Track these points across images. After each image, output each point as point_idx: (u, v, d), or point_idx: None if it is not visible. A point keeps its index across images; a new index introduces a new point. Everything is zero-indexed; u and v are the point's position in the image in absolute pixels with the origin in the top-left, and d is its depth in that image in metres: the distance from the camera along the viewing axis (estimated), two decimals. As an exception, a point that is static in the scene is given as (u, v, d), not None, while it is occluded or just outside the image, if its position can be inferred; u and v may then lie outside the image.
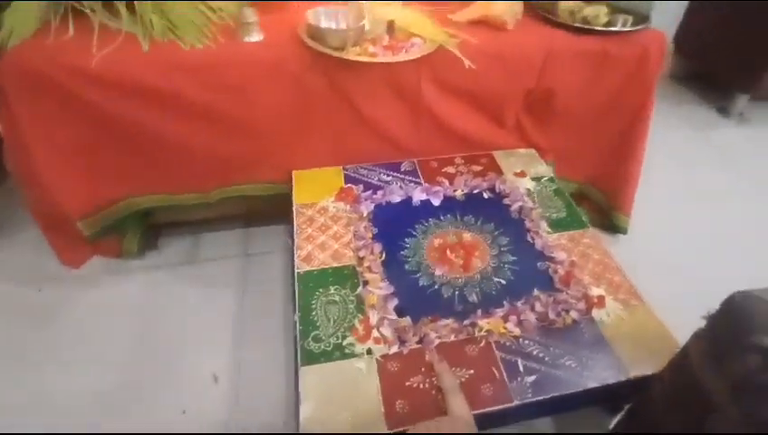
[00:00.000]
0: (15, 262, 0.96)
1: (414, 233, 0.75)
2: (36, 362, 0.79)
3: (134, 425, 0.72)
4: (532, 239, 0.75)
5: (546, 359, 0.59)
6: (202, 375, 0.78)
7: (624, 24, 0.84)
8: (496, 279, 0.69)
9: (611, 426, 0.65)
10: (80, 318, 0.86)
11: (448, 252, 0.72)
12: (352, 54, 0.74)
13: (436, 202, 0.81)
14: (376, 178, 0.84)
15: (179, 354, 0.81)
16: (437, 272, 0.69)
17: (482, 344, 0.61)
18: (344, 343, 0.60)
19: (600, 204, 1.04)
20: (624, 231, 1.02)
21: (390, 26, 0.79)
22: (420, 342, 0.60)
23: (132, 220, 0.91)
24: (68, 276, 0.92)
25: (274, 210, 0.90)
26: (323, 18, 0.78)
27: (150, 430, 0.71)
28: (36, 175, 0.77)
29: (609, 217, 1.03)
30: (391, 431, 0.52)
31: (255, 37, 0.76)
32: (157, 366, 0.80)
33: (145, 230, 0.96)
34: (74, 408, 0.74)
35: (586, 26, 0.83)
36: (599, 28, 0.83)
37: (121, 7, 0.74)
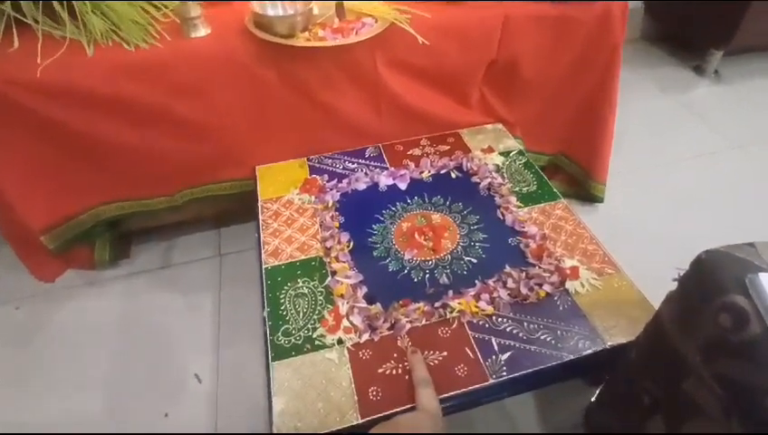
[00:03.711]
0: (-9, 281, 0.94)
1: (381, 219, 0.74)
2: (18, 380, 0.79)
3: (117, 429, 0.72)
4: (503, 215, 0.73)
5: (520, 335, 0.58)
6: (183, 377, 0.78)
7: (582, -15, 0.82)
8: (467, 258, 0.67)
9: (593, 398, 0.64)
10: (58, 332, 0.86)
11: (417, 235, 0.71)
12: (302, 41, 0.71)
13: (402, 186, 0.79)
14: (341, 167, 0.83)
15: (160, 358, 0.81)
16: (407, 256, 0.68)
17: (454, 326, 0.60)
18: (314, 335, 0.59)
19: (575, 174, 1.02)
20: (600, 200, 1.01)
21: (339, 8, 0.77)
22: (391, 328, 0.59)
23: (100, 230, 0.89)
24: (44, 292, 0.92)
25: (244, 208, 0.88)
26: (270, 6, 0.75)
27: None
28: (-3, 192, 0.75)
29: (584, 187, 1.02)
30: (363, 421, 0.51)
31: (202, 32, 0.73)
32: (138, 371, 0.79)
33: (116, 239, 0.94)
34: (59, 419, 0.73)
35: (543, -10, 0.81)
36: (556, -9, 0.81)
37: (63, 13, 0.71)
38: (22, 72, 0.66)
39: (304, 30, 0.72)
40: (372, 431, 0.45)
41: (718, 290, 0.40)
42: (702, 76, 1.55)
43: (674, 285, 0.46)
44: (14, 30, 0.70)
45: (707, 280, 0.42)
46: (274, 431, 0.51)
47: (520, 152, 0.86)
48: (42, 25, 0.71)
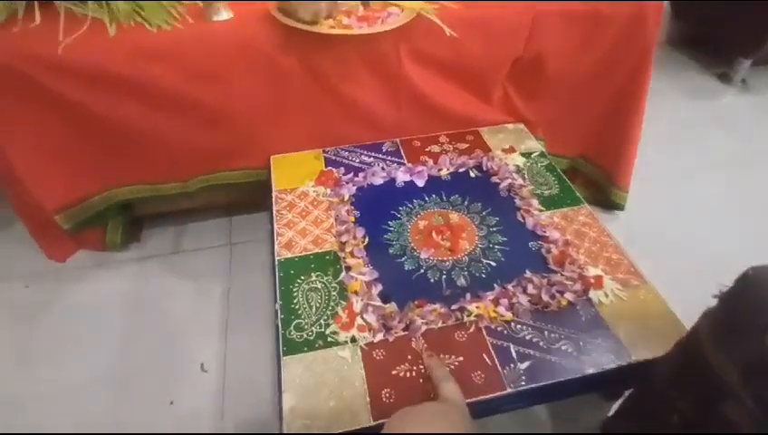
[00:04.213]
0: (1, 258, 0.94)
1: (398, 215, 0.72)
2: (24, 358, 0.79)
3: (121, 416, 0.71)
4: (523, 218, 0.71)
5: (540, 344, 0.56)
6: (190, 365, 0.77)
7: (616, -18, 0.79)
8: (485, 261, 0.65)
9: (610, 412, 0.62)
10: (66, 312, 0.85)
11: (434, 234, 0.68)
12: (326, 28, 0.69)
13: (420, 183, 0.77)
14: (357, 160, 0.80)
15: (167, 345, 0.80)
16: (423, 255, 0.66)
17: (471, 330, 0.57)
18: (327, 332, 0.57)
19: (595, 179, 0.99)
20: (621, 207, 0.98)
21: (366, -5, 0.74)
22: (406, 329, 0.57)
23: (113, 212, 0.88)
24: (54, 271, 0.92)
25: (257, 198, 0.86)
26: (294, -10, 0.72)
27: (138, 421, 0.70)
28: (10, 170, 0.74)
29: (604, 193, 0.99)
30: (376, 423, 0.50)
31: (224, 15, 0.71)
32: (144, 357, 0.78)
33: (128, 222, 0.94)
34: (63, 400, 0.73)
35: (575, -14, 0.78)
36: (589, -12, 0.78)
37: (86, -9, 0.70)
38: (43, 49, 0.65)
39: (329, 17, 0.70)
40: (392, 419, 0.42)
41: (765, 310, 0.37)
42: (728, 84, 1.50)
43: (697, 299, 0.44)
44: (36, 5, 0.69)
45: (754, 298, 0.39)
46: (285, 429, 0.50)
47: (542, 154, 0.83)
48: (64, 2, 0.70)
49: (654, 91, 0.88)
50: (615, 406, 0.63)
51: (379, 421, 0.50)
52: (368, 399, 0.51)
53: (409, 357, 0.55)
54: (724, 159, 1.20)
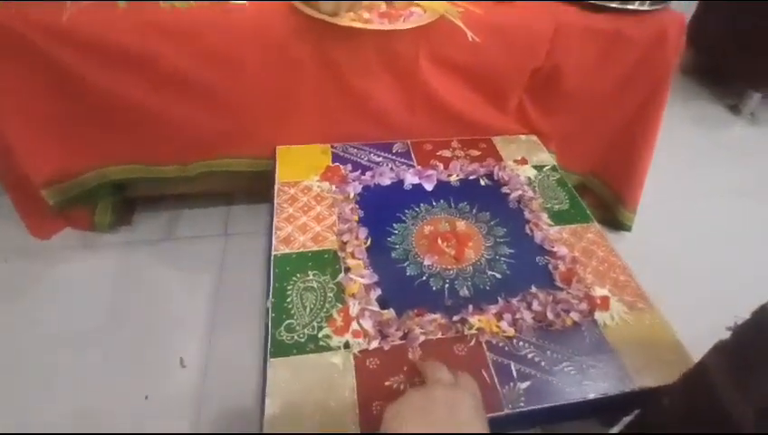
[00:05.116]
0: (-20, 231, 0.90)
1: (403, 218, 0.69)
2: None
3: (92, 407, 0.67)
4: (532, 231, 0.69)
5: (542, 364, 0.54)
6: (170, 359, 0.73)
7: (641, 3, 0.77)
8: (491, 273, 0.63)
9: (608, 438, 0.59)
10: (45, 292, 0.81)
11: (439, 241, 0.66)
12: (346, 20, 0.67)
13: (428, 187, 0.74)
14: (366, 159, 0.78)
15: (148, 336, 0.76)
16: (426, 262, 0.63)
17: (471, 344, 0.55)
18: (320, 335, 0.54)
19: (604, 198, 0.98)
20: (628, 228, 0.97)
21: (389, -9, 0.72)
22: (404, 338, 0.55)
23: (104, 192, 0.84)
24: (37, 249, 0.87)
25: (260, 188, 0.84)
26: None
27: (110, 414, 0.67)
28: (1, 138, 0.71)
29: (612, 213, 0.97)
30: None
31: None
32: (122, 347, 0.74)
33: (120, 203, 0.90)
34: (34, 383, 0.69)
35: (599, 2, 0.76)
36: (613, 5, 0.76)
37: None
38: (47, 17, 0.62)
39: (350, 10, 0.68)
40: (387, 414, 0.39)
41: None
42: (737, 116, 1.50)
43: (702, 328, 0.42)
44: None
45: None
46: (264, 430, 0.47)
47: (553, 168, 0.81)
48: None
49: (665, 116, 0.87)
50: (613, 430, 0.60)
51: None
52: (357, 411, 0.48)
53: (405, 368, 0.52)
54: (730, 188, 1.19)
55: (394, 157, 0.79)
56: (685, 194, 1.16)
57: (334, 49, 0.71)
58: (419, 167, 0.77)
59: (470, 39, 0.70)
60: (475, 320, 0.56)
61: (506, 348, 0.55)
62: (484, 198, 0.74)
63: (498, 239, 0.68)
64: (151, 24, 0.65)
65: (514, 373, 0.53)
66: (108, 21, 0.64)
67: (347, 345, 0.54)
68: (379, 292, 0.59)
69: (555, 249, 0.66)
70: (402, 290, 0.60)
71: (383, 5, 0.72)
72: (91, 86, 0.68)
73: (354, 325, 0.55)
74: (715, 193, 1.17)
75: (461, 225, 0.69)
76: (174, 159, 0.80)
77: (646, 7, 0.77)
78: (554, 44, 0.76)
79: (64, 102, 0.71)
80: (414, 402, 0.40)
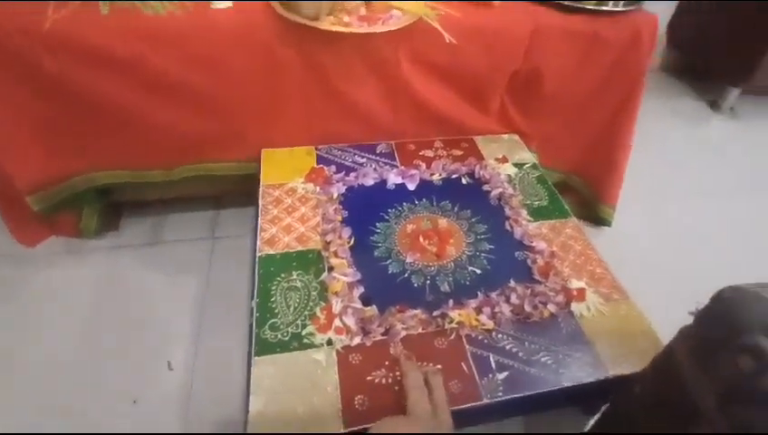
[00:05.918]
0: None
1: (386, 217, 0.71)
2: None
3: (81, 413, 0.67)
4: (511, 227, 0.71)
5: (520, 354, 0.55)
6: (157, 363, 0.74)
7: (615, 3, 0.80)
8: (471, 268, 0.64)
9: (587, 428, 0.61)
10: (31, 299, 0.81)
11: (421, 238, 0.67)
12: (327, 24, 0.68)
13: (411, 186, 0.76)
14: (350, 160, 0.79)
15: (136, 340, 0.76)
16: (408, 259, 0.65)
17: (452, 337, 0.56)
18: (303, 333, 0.55)
19: (585, 195, 1.00)
20: (608, 223, 0.99)
21: (368, -6, 0.74)
22: (386, 333, 0.56)
23: (89, 197, 0.85)
24: (21, 255, 0.87)
25: (244, 192, 0.85)
26: (296, -16, 0.72)
27: (98, 420, 0.67)
28: (-16, 145, 0.71)
29: (593, 209, 0.99)
30: (347, 431, 0.48)
31: (224, 3, 0.70)
32: (110, 352, 0.75)
33: (105, 209, 0.90)
34: (20, 388, 0.70)
35: (576, 4, 0.78)
36: (589, 6, 0.78)
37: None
38: (30, 22, 0.63)
39: (330, 13, 0.69)
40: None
41: (740, 330, 0.37)
42: (717, 112, 1.54)
43: (678, 320, 0.43)
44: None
45: (728, 318, 0.38)
46: (248, 427, 0.48)
47: (534, 166, 0.83)
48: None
49: (646, 114, 0.90)
50: (592, 421, 0.62)
51: (351, 429, 0.48)
52: (339, 406, 0.50)
53: (387, 363, 0.53)
54: (709, 184, 1.23)
55: (378, 157, 0.81)
56: (666, 190, 1.18)
57: (317, 52, 0.72)
58: (402, 167, 0.79)
59: (447, 41, 0.72)
60: (455, 314, 0.57)
61: (485, 341, 0.56)
62: (466, 196, 0.76)
63: (479, 236, 0.69)
64: (136, 29, 0.65)
65: (493, 365, 0.54)
66: (92, 26, 0.64)
67: (330, 342, 0.55)
68: (361, 289, 0.60)
69: (534, 244, 0.68)
70: (384, 287, 0.61)
71: (362, 9, 0.73)
72: (75, 91, 0.69)
73: (337, 322, 0.56)
74: (693, 188, 1.20)
75: (443, 222, 0.71)
76: (160, 164, 0.81)
77: (620, 8, 0.80)
78: (532, 46, 0.78)
79: (49, 108, 0.71)
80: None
